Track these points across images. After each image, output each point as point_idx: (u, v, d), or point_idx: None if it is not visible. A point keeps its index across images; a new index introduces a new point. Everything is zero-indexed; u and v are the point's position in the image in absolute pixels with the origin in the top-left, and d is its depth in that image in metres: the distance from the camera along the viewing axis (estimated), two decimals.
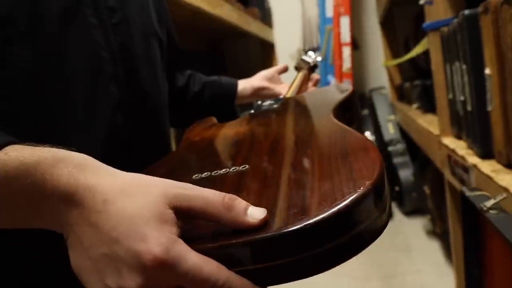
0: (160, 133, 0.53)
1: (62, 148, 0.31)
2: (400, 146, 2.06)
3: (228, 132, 0.51)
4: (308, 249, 0.26)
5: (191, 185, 0.29)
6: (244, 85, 0.74)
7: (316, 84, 0.77)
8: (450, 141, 1.00)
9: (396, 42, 2.13)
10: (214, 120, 0.60)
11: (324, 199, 0.27)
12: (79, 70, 0.42)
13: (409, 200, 1.94)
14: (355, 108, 0.54)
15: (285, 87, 0.73)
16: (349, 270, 1.53)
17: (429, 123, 1.28)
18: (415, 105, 1.65)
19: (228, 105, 0.70)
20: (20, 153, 0.29)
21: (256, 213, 0.27)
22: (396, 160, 2.03)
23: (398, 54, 2.00)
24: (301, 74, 0.72)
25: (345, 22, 2.16)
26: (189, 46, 1.86)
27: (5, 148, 0.30)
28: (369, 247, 0.28)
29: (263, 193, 0.31)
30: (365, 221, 0.27)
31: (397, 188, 2.01)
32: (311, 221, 0.26)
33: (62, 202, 0.29)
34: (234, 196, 0.28)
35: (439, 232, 1.63)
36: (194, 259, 0.26)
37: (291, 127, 0.48)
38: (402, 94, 2.04)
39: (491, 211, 0.50)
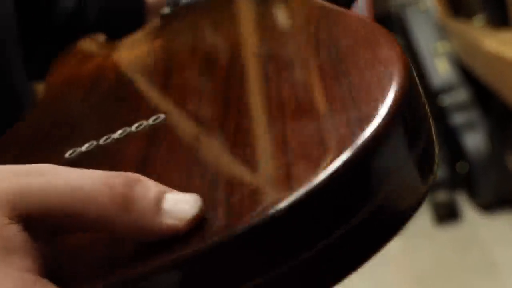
0: (4, 89, 0.54)
1: None
2: (460, 95, 2.08)
3: (125, 57, 0.52)
4: (287, 256, 0.25)
5: (47, 166, 0.27)
6: None
7: None
8: None
9: None
10: (100, 39, 0.60)
11: (303, 155, 0.27)
12: None
13: (485, 185, 1.97)
14: None
15: None
16: None
17: (502, 45, 1.30)
18: (479, 19, 1.68)
19: (134, 28, 0.68)
20: None
21: (179, 207, 0.26)
22: (456, 118, 2.06)
23: None
24: None
25: None
26: None
27: None
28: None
29: (195, 163, 0.31)
30: (387, 185, 0.26)
31: (462, 167, 2.04)
32: (282, 205, 0.24)
33: None
34: (134, 177, 0.27)
35: None
36: None
37: (235, 28, 0.47)
38: (456, 5, 2.06)
39: None
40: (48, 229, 0.27)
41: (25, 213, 0.26)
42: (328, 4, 0.39)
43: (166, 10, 0.56)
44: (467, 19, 1.85)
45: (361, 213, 0.26)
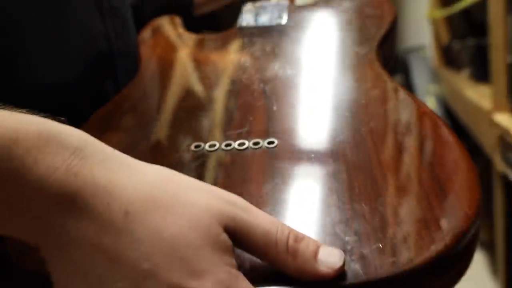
0: (136, 59, 0.51)
1: (45, 116, 0.27)
2: None
3: (217, 58, 0.47)
4: None
5: (248, 205, 0.27)
6: None
7: None
8: (504, 119, 1.03)
9: None
10: (179, 23, 0.56)
11: (414, 229, 0.27)
12: None
13: None
14: (392, 44, 0.51)
15: None
16: None
17: (480, 96, 1.31)
18: (465, 72, 1.66)
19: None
20: None
21: (330, 260, 0.26)
22: None
23: (448, 1, 1.94)
24: None
25: None
26: None
27: None
28: None
29: (317, 207, 0.30)
30: (469, 256, 0.29)
31: None
32: (407, 267, 0.26)
33: (53, 206, 0.25)
34: (301, 235, 0.27)
35: (487, 241, 1.66)
36: None
37: (320, 72, 0.44)
38: (449, 57, 2.03)
39: None
40: (235, 245, 0.27)
41: (231, 232, 0.26)
42: (399, 87, 0.39)
43: (243, 23, 0.53)
44: (456, 70, 1.83)
45: (451, 273, 0.28)
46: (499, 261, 1.14)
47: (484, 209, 0.32)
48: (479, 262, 1.66)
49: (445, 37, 2.15)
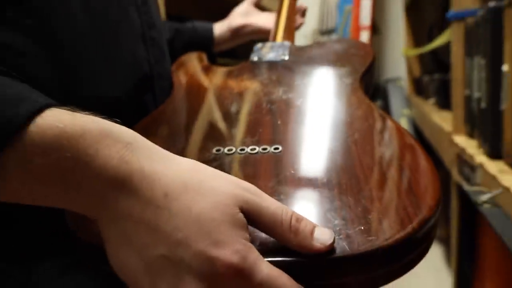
0: (169, 76, 0.52)
1: (104, 117, 0.28)
2: None
3: (234, 85, 0.48)
4: (375, 269, 0.28)
5: (259, 191, 0.28)
6: (221, 28, 0.73)
7: (304, 14, 0.74)
8: (461, 140, 1.06)
9: (421, 29, 2.09)
10: (204, 57, 0.57)
11: (389, 216, 0.29)
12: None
13: None
14: (372, 76, 0.53)
15: (268, 18, 0.72)
16: None
17: (443, 120, 1.33)
18: (431, 100, 1.68)
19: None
20: (58, 119, 0.27)
21: (323, 238, 0.27)
22: None
23: (421, 42, 1.99)
24: (286, 2, 0.68)
25: (366, 4, 2.16)
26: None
27: (44, 112, 0.27)
28: None
29: (313, 198, 0.31)
30: (430, 240, 0.31)
31: None
32: (383, 244, 0.27)
33: (109, 187, 0.26)
34: (301, 217, 0.28)
35: (443, 236, 1.68)
36: (268, 269, 0.26)
37: (314, 96, 0.45)
38: (419, 88, 2.05)
39: (485, 205, 0.54)
40: (249, 224, 0.28)
41: (245, 212, 0.27)
42: (379, 111, 0.40)
43: (255, 58, 0.54)
44: (425, 99, 1.85)
45: (415, 253, 0.29)
46: (452, 254, 1.17)
47: (443, 212, 0.31)
48: (437, 254, 1.69)
49: (417, 71, 2.18)
